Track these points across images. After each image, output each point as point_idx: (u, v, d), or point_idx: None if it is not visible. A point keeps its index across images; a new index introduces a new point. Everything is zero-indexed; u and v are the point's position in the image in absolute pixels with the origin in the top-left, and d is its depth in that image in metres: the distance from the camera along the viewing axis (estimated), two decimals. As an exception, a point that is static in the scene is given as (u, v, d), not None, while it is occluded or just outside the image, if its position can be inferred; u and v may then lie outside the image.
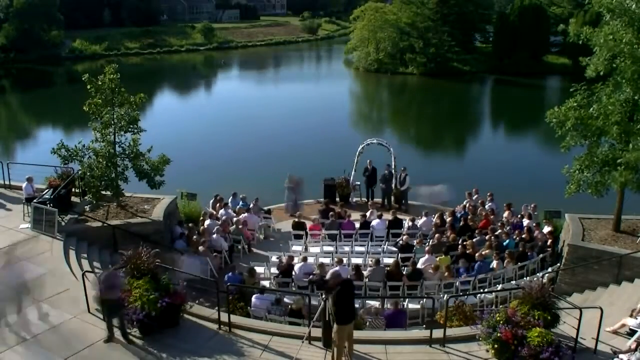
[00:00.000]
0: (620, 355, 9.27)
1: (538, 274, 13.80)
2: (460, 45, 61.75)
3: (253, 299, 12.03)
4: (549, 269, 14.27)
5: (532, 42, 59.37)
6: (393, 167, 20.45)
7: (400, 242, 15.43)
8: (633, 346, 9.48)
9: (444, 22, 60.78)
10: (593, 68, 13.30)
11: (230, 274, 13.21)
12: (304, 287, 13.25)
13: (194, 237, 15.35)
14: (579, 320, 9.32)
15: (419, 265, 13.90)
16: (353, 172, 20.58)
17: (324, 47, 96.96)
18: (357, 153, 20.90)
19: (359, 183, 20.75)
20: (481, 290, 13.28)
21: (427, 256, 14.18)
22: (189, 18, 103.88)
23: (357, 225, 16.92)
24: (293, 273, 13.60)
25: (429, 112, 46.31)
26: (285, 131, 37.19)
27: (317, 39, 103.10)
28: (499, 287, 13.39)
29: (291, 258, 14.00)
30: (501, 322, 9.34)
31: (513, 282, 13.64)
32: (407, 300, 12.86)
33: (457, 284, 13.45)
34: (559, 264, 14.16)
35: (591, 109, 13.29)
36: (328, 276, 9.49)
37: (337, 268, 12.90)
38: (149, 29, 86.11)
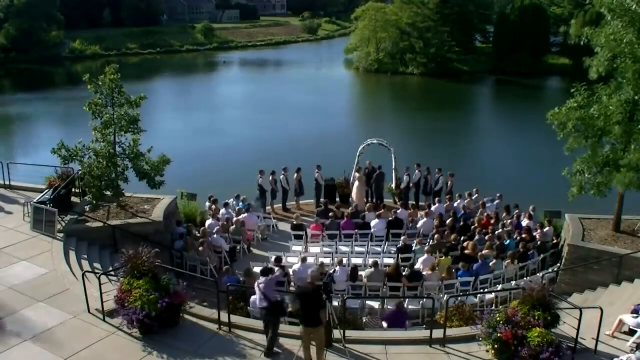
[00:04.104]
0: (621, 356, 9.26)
1: (538, 274, 13.80)
2: (460, 45, 61.86)
3: (252, 298, 12.00)
4: (549, 269, 14.28)
5: (532, 42, 59.44)
6: (393, 167, 20.49)
7: (399, 244, 15.42)
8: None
9: (444, 22, 60.83)
10: (595, 70, 13.29)
11: (225, 277, 13.17)
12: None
13: (189, 237, 15.35)
14: (579, 320, 9.31)
15: (417, 265, 13.90)
16: (353, 172, 20.57)
17: (323, 47, 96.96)
18: (357, 153, 20.91)
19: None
20: (481, 290, 13.28)
21: (426, 256, 14.19)
22: (189, 18, 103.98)
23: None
24: (291, 272, 13.59)
25: (429, 112, 46.27)
26: (285, 131, 37.23)
27: (317, 39, 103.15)
28: (499, 287, 13.39)
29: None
30: (501, 322, 9.33)
31: (513, 282, 13.64)
32: (407, 300, 12.86)
33: (457, 284, 13.45)
34: (559, 264, 14.17)
35: (592, 109, 13.28)
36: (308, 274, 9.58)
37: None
38: (149, 29, 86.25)
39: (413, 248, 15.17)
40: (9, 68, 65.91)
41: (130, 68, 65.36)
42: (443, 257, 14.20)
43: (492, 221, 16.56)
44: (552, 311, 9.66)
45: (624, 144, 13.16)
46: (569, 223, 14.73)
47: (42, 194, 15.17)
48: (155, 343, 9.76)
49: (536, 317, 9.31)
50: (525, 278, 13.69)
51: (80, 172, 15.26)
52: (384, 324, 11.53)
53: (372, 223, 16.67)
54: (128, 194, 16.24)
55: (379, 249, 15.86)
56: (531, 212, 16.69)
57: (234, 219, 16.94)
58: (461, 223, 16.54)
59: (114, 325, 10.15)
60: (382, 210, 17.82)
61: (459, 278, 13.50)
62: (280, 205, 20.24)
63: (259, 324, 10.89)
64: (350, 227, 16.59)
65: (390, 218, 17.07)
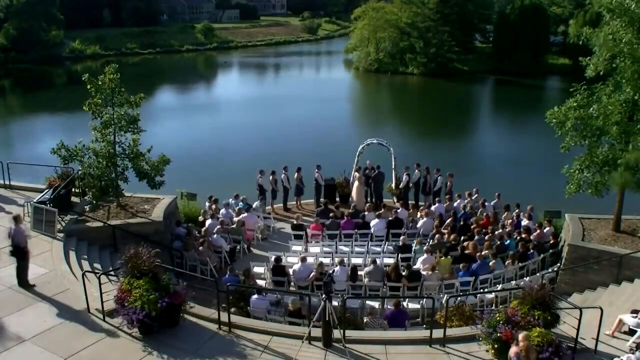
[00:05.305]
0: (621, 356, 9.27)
1: (538, 274, 13.80)
2: (460, 45, 61.79)
3: (252, 298, 12.03)
4: (549, 269, 14.28)
5: (532, 42, 59.42)
6: (393, 166, 20.49)
7: (399, 244, 15.41)
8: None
9: (445, 22, 60.75)
10: (593, 68, 13.32)
11: (226, 275, 13.20)
12: (303, 287, 13.22)
13: (189, 237, 15.35)
14: (579, 320, 9.32)
15: (417, 265, 13.89)
16: (353, 172, 20.57)
17: (323, 47, 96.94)
18: (357, 153, 20.92)
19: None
20: (481, 290, 13.28)
21: (426, 255, 14.19)
22: (189, 18, 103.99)
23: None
24: (291, 272, 13.59)
25: (429, 112, 46.32)
26: (285, 131, 37.22)
27: (317, 39, 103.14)
28: (499, 287, 13.38)
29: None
30: (501, 322, 9.35)
31: (513, 282, 13.64)
32: (407, 300, 12.86)
33: (457, 284, 13.45)
34: (559, 264, 14.16)
35: (591, 109, 13.29)
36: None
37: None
38: (149, 29, 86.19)
39: (413, 248, 15.17)
40: (9, 68, 65.89)
41: (130, 68, 65.37)
42: (443, 257, 14.20)
43: (492, 221, 16.57)
44: (552, 311, 9.67)
45: (623, 144, 13.17)
46: (569, 223, 14.73)
47: (42, 194, 15.17)
48: (155, 343, 9.75)
49: (536, 317, 9.32)
50: (525, 278, 13.69)
51: (80, 172, 15.26)
52: (385, 324, 11.53)
53: (372, 223, 16.66)
54: (128, 194, 16.25)
55: (378, 249, 15.86)
56: (531, 212, 16.68)
57: (234, 219, 16.95)
58: (461, 223, 16.54)
59: (114, 325, 10.15)
60: (382, 210, 17.83)
61: (459, 278, 13.51)
62: (281, 205, 20.25)
63: (259, 324, 10.92)
64: (350, 227, 16.59)
65: (390, 218, 17.08)
